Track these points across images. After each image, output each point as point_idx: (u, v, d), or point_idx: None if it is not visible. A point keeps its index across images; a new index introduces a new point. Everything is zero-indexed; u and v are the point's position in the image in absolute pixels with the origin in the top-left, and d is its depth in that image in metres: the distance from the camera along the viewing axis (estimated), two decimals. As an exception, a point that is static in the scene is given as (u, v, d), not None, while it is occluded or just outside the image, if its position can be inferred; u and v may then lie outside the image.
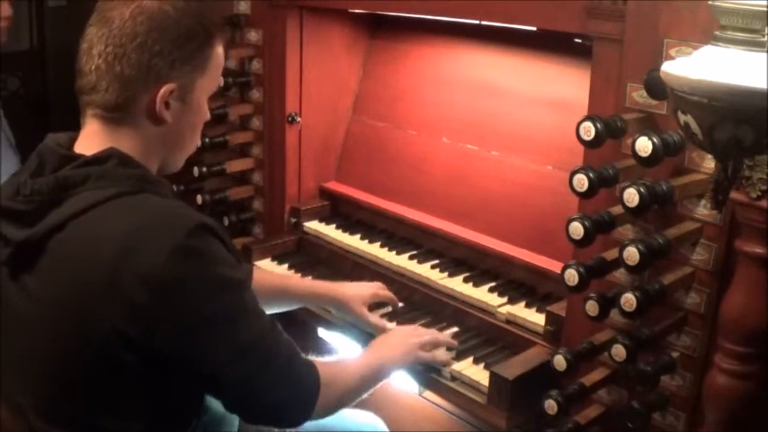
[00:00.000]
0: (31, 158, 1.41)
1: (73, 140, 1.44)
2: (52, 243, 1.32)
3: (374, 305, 2.07)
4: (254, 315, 1.41)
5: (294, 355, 1.49)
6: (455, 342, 1.92)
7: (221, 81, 2.41)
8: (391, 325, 2.01)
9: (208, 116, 1.53)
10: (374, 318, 2.02)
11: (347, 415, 1.97)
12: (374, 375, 1.71)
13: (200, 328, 1.33)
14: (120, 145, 1.39)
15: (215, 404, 1.52)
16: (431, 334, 1.89)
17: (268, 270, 2.33)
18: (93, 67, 1.38)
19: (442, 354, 1.87)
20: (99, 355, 1.30)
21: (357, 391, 1.66)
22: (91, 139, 1.41)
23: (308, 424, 1.84)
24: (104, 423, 1.35)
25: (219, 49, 1.47)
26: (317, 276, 2.28)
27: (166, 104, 1.40)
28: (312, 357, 1.57)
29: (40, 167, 1.38)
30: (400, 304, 2.11)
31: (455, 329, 2.02)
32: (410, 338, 1.85)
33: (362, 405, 2.20)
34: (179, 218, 1.32)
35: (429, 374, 1.88)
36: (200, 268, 1.30)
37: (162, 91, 1.38)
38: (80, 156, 1.37)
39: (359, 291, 2.04)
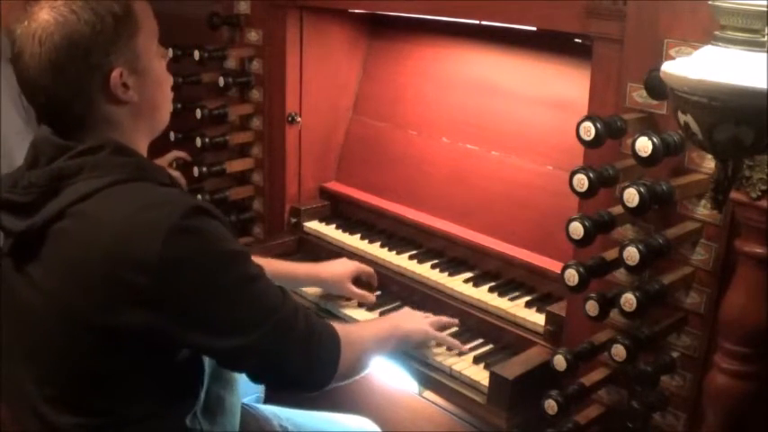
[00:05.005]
0: (28, 151, 1.42)
1: None
2: (52, 232, 1.33)
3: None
4: (262, 284, 1.42)
5: (310, 317, 1.50)
6: (456, 320, 2.02)
7: (213, 75, 2.43)
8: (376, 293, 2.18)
9: (167, 57, 1.53)
10: (360, 291, 2.14)
11: (341, 419, 1.98)
12: (388, 340, 1.76)
13: (208, 304, 1.33)
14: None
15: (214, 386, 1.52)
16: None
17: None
18: (43, 101, 1.38)
19: (451, 338, 1.93)
20: (105, 340, 1.31)
21: (373, 354, 1.68)
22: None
23: (304, 427, 1.84)
24: (113, 407, 1.36)
25: (136, 4, 1.43)
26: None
27: (124, 86, 1.40)
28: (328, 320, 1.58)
29: (35, 159, 1.39)
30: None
31: (455, 328, 2.03)
32: (420, 316, 1.95)
33: (361, 407, 2.21)
34: (173, 202, 1.32)
35: (429, 373, 1.88)
36: (198, 246, 1.31)
37: (113, 79, 1.38)
38: (74, 145, 1.37)
39: (345, 268, 2.16)
